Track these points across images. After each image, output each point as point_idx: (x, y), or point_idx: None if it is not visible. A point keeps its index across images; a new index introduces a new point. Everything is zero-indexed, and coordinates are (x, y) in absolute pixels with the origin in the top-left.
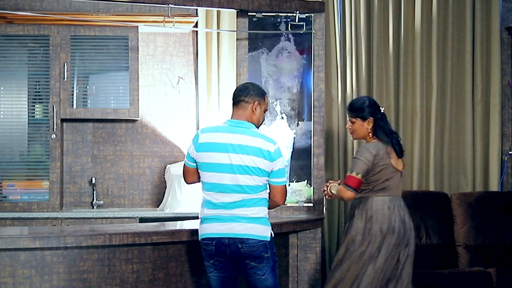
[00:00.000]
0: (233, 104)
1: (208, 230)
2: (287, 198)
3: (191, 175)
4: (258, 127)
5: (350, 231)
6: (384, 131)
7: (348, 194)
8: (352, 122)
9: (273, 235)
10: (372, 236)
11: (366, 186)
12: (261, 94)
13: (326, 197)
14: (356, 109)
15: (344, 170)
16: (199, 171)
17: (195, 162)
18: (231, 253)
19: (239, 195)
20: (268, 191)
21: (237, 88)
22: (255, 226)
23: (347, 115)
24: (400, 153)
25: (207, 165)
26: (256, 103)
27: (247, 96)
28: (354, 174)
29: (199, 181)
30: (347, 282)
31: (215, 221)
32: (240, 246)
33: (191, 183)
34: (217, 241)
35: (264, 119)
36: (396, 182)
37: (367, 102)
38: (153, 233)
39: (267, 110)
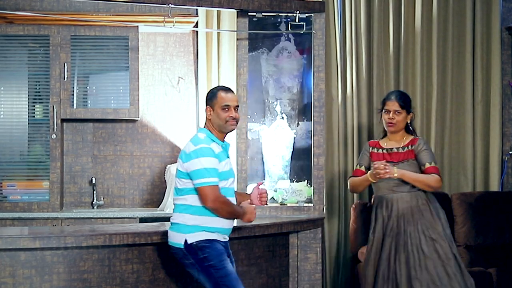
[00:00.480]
0: None
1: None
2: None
3: None
4: (225, 129)
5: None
6: (413, 130)
7: (440, 184)
8: (398, 113)
9: (189, 242)
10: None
11: None
12: (211, 95)
13: (385, 176)
14: (407, 101)
15: (344, 170)
16: None
17: None
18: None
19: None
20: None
21: None
22: (171, 233)
23: (391, 105)
24: None
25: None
26: (207, 107)
27: (205, 103)
28: (434, 164)
29: None
30: None
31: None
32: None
33: None
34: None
35: (229, 116)
36: None
37: (410, 98)
38: (153, 233)
39: (227, 105)
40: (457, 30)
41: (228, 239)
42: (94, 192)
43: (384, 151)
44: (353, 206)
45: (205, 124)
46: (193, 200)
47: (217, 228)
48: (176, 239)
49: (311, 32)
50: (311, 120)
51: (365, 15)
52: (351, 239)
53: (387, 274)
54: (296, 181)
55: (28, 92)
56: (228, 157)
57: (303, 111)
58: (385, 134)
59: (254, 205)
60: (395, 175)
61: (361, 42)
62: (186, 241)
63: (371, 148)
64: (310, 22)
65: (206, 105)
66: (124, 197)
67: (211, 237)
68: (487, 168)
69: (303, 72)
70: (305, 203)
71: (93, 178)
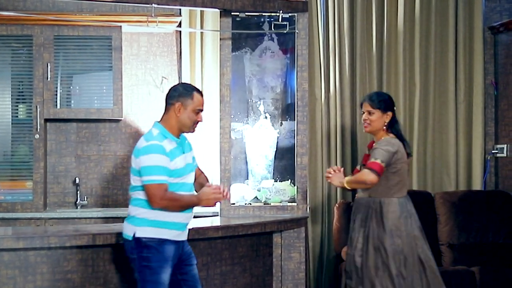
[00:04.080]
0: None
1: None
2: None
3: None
4: (189, 130)
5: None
6: (396, 129)
7: (372, 177)
8: (371, 113)
9: (137, 236)
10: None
11: (387, 182)
12: (186, 93)
13: (328, 180)
14: (380, 100)
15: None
16: None
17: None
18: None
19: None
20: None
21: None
22: (123, 225)
23: (364, 106)
24: (409, 153)
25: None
26: (179, 104)
27: (171, 98)
28: (378, 161)
29: None
30: None
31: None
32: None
33: None
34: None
35: (197, 120)
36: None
37: (388, 97)
38: None
39: (200, 109)
40: (439, 30)
41: (185, 236)
42: (78, 192)
43: (369, 152)
44: (337, 205)
45: (162, 118)
46: (141, 196)
47: (169, 222)
48: (127, 230)
49: (294, 32)
50: (295, 120)
51: (348, 14)
52: (334, 238)
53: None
54: (279, 181)
55: (11, 92)
56: (184, 152)
57: (287, 111)
58: None
59: (211, 188)
60: (337, 184)
61: (344, 41)
62: (134, 234)
63: (368, 149)
64: (293, 22)
65: (176, 100)
66: (108, 197)
67: (163, 235)
68: (470, 167)
69: (286, 72)
70: (289, 202)
71: (77, 178)
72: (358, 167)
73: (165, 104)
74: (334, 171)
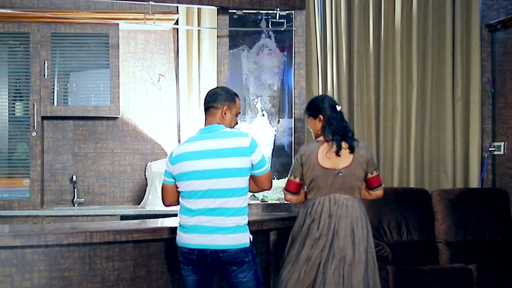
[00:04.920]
0: (204, 111)
1: (188, 241)
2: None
3: (170, 194)
4: None
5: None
6: (332, 130)
7: (288, 197)
8: (308, 122)
9: (251, 239)
10: (294, 238)
11: (306, 186)
12: (231, 98)
13: None
14: (309, 107)
15: None
16: (176, 183)
17: (173, 177)
18: (213, 261)
19: (218, 200)
20: (248, 197)
21: (207, 94)
22: (235, 236)
23: None
24: (339, 150)
25: (183, 175)
26: (225, 107)
27: (216, 102)
28: (291, 178)
29: (178, 203)
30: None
31: (194, 232)
32: (221, 255)
33: (169, 205)
34: (198, 251)
35: (236, 122)
36: (328, 182)
37: (319, 101)
38: (134, 231)
39: (239, 113)
40: (437, 27)
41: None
42: (75, 189)
43: None
44: None
45: (209, 121)
46: (246, 203)
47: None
48: (242, 239)
49: (292, 29)
50: (292, 117)
51: (346, 12)
52: None
53: None
54: (277, 178)
55: (8, 89)
56: None
57: (284, 108)
58: None
59: None
60: None
61: (341, 39)
62: (250, 239)
63: None
64: (291, 19)
65: (221, 105)
66: (105, 194)
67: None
68: (467, 165)
69: (283, 69)
70: (286, 200)
71: (74, 176)
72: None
73: (206, 108)
74: None
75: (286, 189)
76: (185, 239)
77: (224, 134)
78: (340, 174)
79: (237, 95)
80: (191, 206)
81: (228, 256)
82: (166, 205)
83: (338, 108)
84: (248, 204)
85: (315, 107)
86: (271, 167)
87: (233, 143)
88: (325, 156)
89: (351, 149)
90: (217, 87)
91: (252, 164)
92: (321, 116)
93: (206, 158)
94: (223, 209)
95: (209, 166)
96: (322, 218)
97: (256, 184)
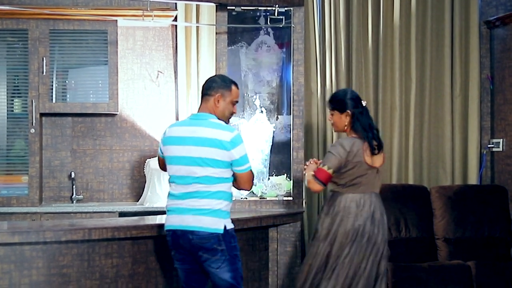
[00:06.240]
0: (201, 97)
1: (167, 222)
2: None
3: (164, 164)
4: (225, 120)
5: (317, 226)
6: (362, 126)
7: (316, 187)
8: (332, 114)
9: (228, 228)
10: (337, 235)
11: (339, 181)
12: (225, 86)
13: (304, 172)
14: (335, 101)
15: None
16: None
17: (163, 155)
18: (184, 243)
19: (194, 185)
20: (231, 184)
21: (205, 81)
22: (204, 218)
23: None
24: (373, 150)
25: (169, 158)
26: (218, 95)
27: (210, 89)
28: (325, 168)
29: None
30: (312, 278)
31: (171, 213)
32: (191, 237)
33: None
34: (172, 232)
35: (232, 112)
36: (370, 179)
37: (347, 95)
38: (133, 228)
39: (236, 101)
40: (435, 24)
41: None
42: (74, 186)
43: None
44: None
45: (202, 108)
46: (226, 188)
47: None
48: (213, 224)
49: (290, 26)
50: (290, 114)
51: (344, 9)
52: None
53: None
54: (275, 175)
55: (7, 86)
56: None
57: (282, 105)
58: None
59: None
60: (309, 175)
61: (340, 36)
62: (225, 226)
63: None
64: (289, 16)
65: (215, 92)
66: (104, 191)
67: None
68: (466, 162)
69: (282, 66)
70: (285, 197)
71: (72, 173)
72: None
73: (202, 95)
74: (310, 162)
75: (317, 177)
76: (165, 222)
77: (210, 124)
78: (378, 172)
79: (234, 83)
80: (172, 190)
81: (197, 239)
82: (165, 171)
83: (364, 103)
84: (247, 200)
85: (342, 101)
86: (269, 164)
87: (214, 134)
88: (367, 153)
89: (380, 147)
90: (215, 75)
91: (231, 160)
92: (348, 111)
93: (187, 145)
94: (198, 192)
95: (188, 153)
96: (373, 215)
97: (235, 181)
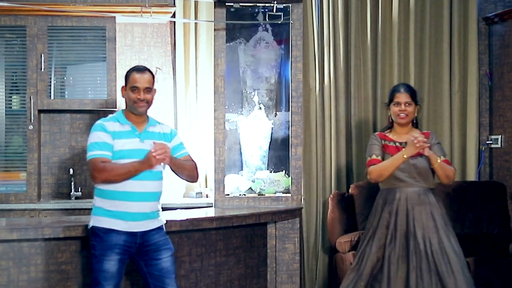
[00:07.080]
0: None
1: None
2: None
3: None
4: (134, 109)
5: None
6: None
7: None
8: (409, 105)
9: (91, 225)
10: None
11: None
12: (125, 77)
13: (421, 150)
14: (415, 93)
15: (322, 160)
16: None
17: None
18: None
19: None
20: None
21: None
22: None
23: (402, 97)
24: None
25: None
26: (122, 87)
27: None
28: (447, 158)
29: None
30: None
31: None
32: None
33: None
34: None
35: (137, 98)
36: None
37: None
38: None
39: (136, 86)
40: (434, 20)
41: (145, 227)
42: (72, 183)
43: (397, 144)
44: (331, 196)
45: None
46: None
47: (120, 213)
48: (90, 221)
49: (289, 22)
50: (289, 110)
51: (343, 5)
52: (329, 229)
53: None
54: (274, 171)
55: (5, 83)
56: (139, 137)
57: (281, 102)
58: (388, 128)
59: (153, 149)
60: (426, 153)
61: (338, 32)
62: (87, 226)
63: (383, 140)
64: (288, 12)
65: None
66: None
67: (110, 225)
68: (464, 158)
69: (280, 63)
70: (283, 193)
71: (71, 169)
72: (375, 157)
73: None
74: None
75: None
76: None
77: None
78: None
79: (135, 69)
80: None
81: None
82: None
83: None
84: (245, 196)
85: (416, 94)
86: (268, 160)
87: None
88: None
89: None
90: None
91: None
92: (419, 106)
93: None
94: None
95: None
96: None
97: None
